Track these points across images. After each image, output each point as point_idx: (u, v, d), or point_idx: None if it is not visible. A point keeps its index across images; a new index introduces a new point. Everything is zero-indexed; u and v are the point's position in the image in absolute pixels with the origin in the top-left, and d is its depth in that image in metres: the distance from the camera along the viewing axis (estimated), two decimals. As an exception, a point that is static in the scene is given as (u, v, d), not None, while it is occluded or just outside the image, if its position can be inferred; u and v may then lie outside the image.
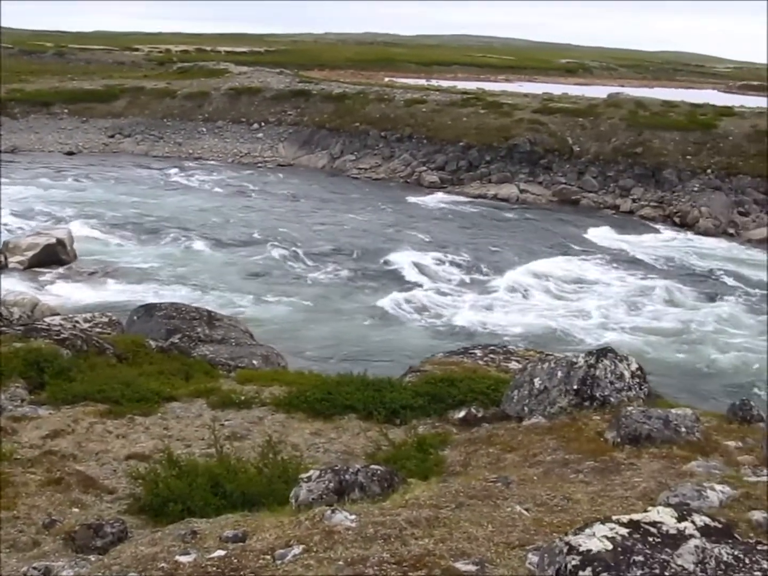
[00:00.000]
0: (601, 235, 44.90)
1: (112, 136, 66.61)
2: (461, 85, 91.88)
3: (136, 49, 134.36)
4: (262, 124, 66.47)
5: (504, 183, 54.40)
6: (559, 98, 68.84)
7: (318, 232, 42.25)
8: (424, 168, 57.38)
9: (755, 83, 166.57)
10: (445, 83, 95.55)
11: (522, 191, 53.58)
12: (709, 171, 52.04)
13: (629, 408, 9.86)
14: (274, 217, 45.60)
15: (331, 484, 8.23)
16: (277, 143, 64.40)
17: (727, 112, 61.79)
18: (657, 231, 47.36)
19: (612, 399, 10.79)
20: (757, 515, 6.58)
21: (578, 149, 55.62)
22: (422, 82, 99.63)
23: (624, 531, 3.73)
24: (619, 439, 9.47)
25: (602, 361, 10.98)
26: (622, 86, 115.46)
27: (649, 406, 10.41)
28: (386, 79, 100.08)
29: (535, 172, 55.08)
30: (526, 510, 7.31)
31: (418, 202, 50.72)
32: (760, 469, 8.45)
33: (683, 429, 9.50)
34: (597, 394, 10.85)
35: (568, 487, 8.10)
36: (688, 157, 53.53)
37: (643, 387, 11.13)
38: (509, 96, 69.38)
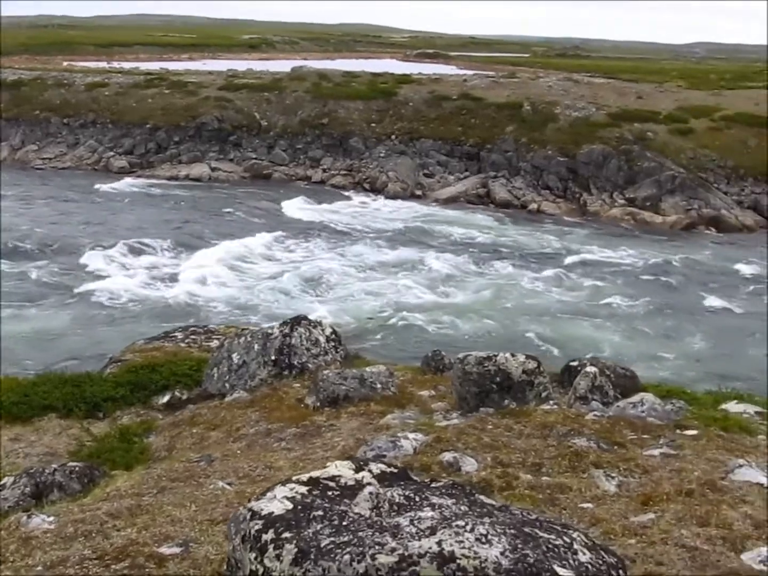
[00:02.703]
0: (294, 206, 45.48)
1: None
2: (144, 66, 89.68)
3: None
4: None
5: (195, 163, 53.75)
6: (243, 74, 68.87)
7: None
8: (112, 153, 55.56)
9: (430, 51, 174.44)
10: (127, 65, 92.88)
11: (213, 169, 53.18)
12: (393, 137, 53.97)
13: (326, 372, 10.06)
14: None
15: (27, 489, 7.86)
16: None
17: (405, 79, 64.32)
18: (349, 198, 48.62)
19: (310, 365, 10.98)
20: (448, 456, 6.93)
21: (266, 124, 55.91)
22: (103, 64, 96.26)
23: (304, 489, 3.77)
24: (318, 403, 9.65)
25: (297, 329, 11.13)
26: (306, 60, 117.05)
27: (347, 368, 10.67)
28: (65, 64, 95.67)
29: (225, 149, 54.84)
30: (229, 485, 7.31)
31: (108, 189, 48.96)
32: (450, 414, 8.89)
33: (379, 385, 9.82)
34: (295, 362, 11.00)
35: (271, 456, 8.17)
36: (373, 124, 55.21)
37: (339, 350, 11.40)
38: (194, 74, 68.59)
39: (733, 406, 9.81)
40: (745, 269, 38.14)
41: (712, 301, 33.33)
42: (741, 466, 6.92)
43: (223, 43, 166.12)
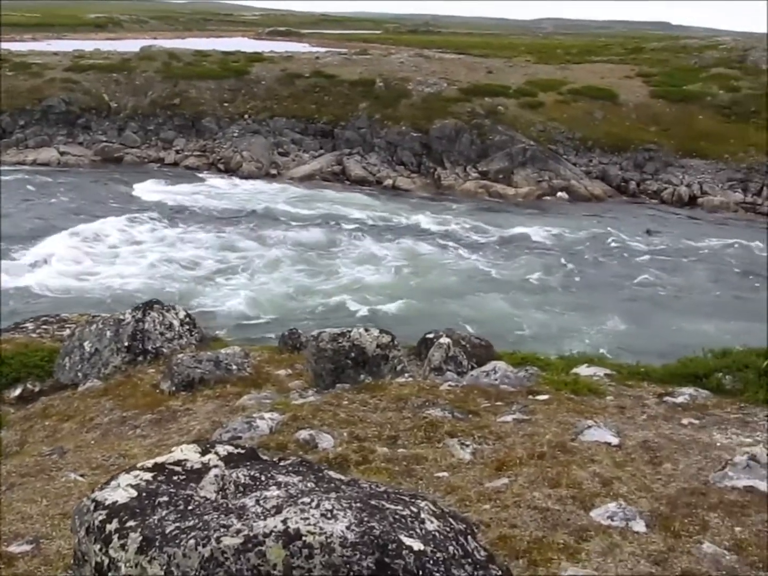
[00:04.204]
0: (147, 189, 44.48)
1: None
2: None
3: None
4: None
5: (42, 147, 51.85)
6: (91, 55, 66.85)
7: None
8: (-48, 139, 53.20)
9: (282, 29, 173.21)
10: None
11: (62, 153, 51.43)
12: (246, 116, 53.43)
13: (180, 356, 9.90)
14: None
15: None
16: None
17: (257, 58, 63.68)
18: (203, 180, 47.86)
19: (164, 349, 10.78)
20: (304, 434, 6.92)
21: (116, 105, 54.47)
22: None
23: (148, 476, 3.69)
24: (174, 388, 9.49)
25: (149, 313, 10.90)
26: (155, 39, 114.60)
27: (203, 351, 10.53)
28: None
29: (74, 132, 53.12)
30: (82, 476, 7.13)
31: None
32: (306, 392, 8.88)
33: (234, 366, 9.72)
34: (149, 347, 10.78)
35: (126, 445, 8.01)
36: (225, 104, 54.51)
37: (194, 333, 11.22)
38: (38, 55, 66.02)
39: (584, 370, 10.10)
40: (603, 236, 39.56)
41: (581, 267, 34.45)
42: (590, 427, 7.14)
43: (68, 22, 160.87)
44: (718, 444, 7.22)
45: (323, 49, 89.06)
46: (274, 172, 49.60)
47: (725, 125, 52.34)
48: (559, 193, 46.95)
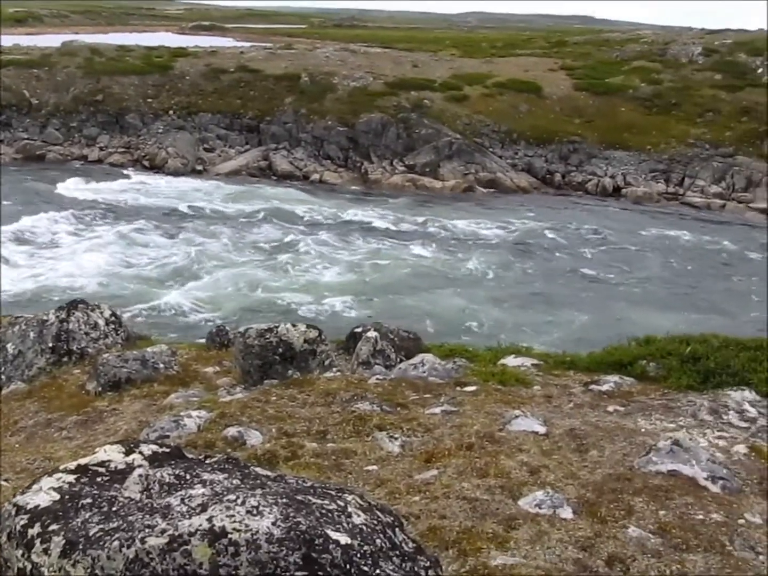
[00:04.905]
0: (70, 187, 43.69)
1: None
2: None
3: None
4: None
5: (-39, 145, 50.81)
6: (9, 50, 65.36)
7: None
8: None
9: (206, 23, 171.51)
10: None
11: (-18, 152, 50.42)
12: (171, 112, 52.83)
13: (106, 355, 9.75)
14: None
15: None
16: None
17: (181, 53, 63.01)
18: (128, 177, 47.21)
19: (90, 350, 10.61)
20: (232, 431, 6.89)
21: (37, 102, 53.45)
22: None
23: (71, 478, 3.63)
24: (100, 388, 9.36)
25: (74, 313, 10.72)
26: (77, 34, 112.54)
27: (130, 350, 10.39)
28: None
29: (-6, 130, 52.07)
30: (6, 481, 6.99)
31: None
32: (234, 389, 8.83)
33: (161, 365, 9.61)
34: (74, 348, 10.60)
35: (51, 447, 7.88)
36: (149, 100, 53.84)
37: (119, 332, 11.07)
38: (-46, 51, 64.58)
39: (511, 360, 10.20)
40: (535, 228, 40.01)
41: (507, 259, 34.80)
42: (517, 416, 7.22)
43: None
44: (643, 430, 7.35)
45: (248, 44, 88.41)
46: (200, 168, 49.16)
47: (647, 117, 53.28)
48: (482, 189, 47.31)
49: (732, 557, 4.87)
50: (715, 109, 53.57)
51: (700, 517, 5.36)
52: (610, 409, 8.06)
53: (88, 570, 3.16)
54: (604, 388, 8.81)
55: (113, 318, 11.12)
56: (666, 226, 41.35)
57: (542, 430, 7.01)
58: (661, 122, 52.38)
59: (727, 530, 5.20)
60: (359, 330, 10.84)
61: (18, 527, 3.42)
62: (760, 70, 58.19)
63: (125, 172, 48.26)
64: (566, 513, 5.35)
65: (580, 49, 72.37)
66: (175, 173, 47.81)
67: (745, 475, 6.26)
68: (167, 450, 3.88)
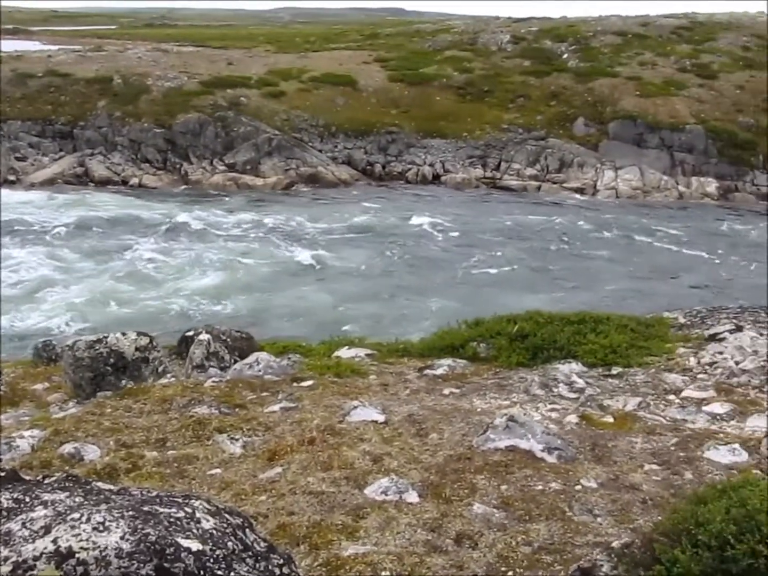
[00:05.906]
0: None
1: None
2: None
3: None
4: None
5: None
6: None
7: None
8: None
9: (9, 26, 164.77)
10: None
11: None
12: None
13: (-75, 379, 9.30)
14: None
15: None
16: None
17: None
18: None
19: None
20: (68, 447, 6.68)
21: None
22: None
23: None
24: None
25: None
26: None
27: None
28: None
29: None
30: None
31: None
32: (67, 404, 8.57)
33: (-14, 386, 9.24)
34: None
35: None
36: (-48, 109, 51.34)
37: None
38: None
39: (345, 352, 10.31)
40: (367, 220, 40.45)
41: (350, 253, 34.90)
42: (356, 407, 7.31)
43: None
44: (479, 409, 7.58)
45: (56, 47, 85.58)
46: (12, 178, 47.10)
47: (461, 105, 54.52)
48: (303, 184, 47.42)
49: (572, 522, 5.09)
50: (525, 95, 55.38)
51: (540, 487, 5.58)
52: (446, 392, 8.27)
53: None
54: (439, 372, 9.03)
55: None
56: (492, 211, 42.52)
57: (381, 418, 7.12)
58: (475, 109, 53.72)
59: (566, 497, 5.44)
60: (191, 333, 10.71)
61: None
62: (565, 56, 60.58)
63: None
64: (412, 497, 5.45)
65: (392, 40, 73.21)
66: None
67: (578, 444, 6.55)
68: (2, 473, 3.75)
